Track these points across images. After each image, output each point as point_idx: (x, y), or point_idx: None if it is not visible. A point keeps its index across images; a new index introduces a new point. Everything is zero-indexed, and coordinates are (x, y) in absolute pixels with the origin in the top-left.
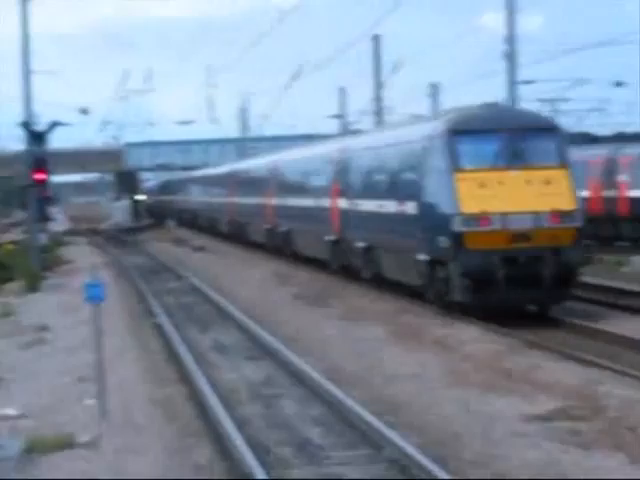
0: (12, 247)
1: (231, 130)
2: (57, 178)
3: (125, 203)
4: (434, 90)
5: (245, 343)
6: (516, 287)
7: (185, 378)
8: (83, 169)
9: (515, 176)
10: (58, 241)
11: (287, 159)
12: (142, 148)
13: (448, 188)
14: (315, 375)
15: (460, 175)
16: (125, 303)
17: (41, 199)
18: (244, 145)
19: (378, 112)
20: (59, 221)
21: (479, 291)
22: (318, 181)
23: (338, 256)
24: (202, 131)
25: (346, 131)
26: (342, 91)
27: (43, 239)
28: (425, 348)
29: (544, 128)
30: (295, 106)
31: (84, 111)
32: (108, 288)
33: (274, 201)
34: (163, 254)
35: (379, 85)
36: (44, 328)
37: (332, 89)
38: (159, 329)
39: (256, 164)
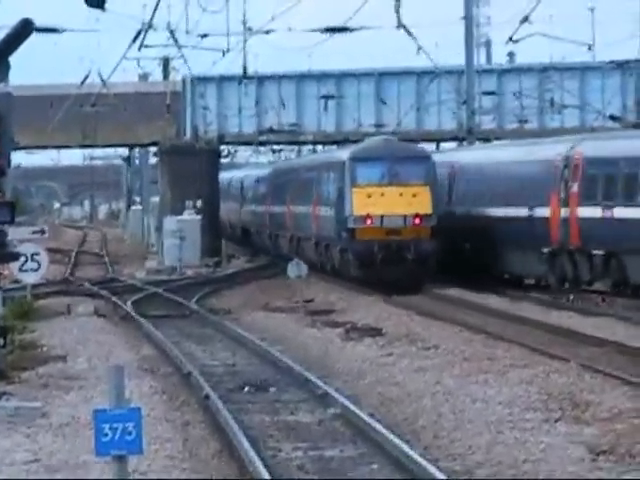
0: None
1: (445, 53)
2: (27, 158)
3: (191, 220)
4: None
5: None
6: (389, 267)
7: None
8: (88, 140)
9: (392, 190)
10: (27, 307)
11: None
12: (227, 87)
13: (348, 197)
14: None
15: (355, 189)
16: (187, 461)
17: None
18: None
19: None
20: (34, 261)
21: (364, 268)
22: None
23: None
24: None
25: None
26: None
27: None
28: None
29: (417, 156)
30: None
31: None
32: (149, 424)
33: None
34: (277, 342)
35: None
36: None
37: None
38: None
39: None
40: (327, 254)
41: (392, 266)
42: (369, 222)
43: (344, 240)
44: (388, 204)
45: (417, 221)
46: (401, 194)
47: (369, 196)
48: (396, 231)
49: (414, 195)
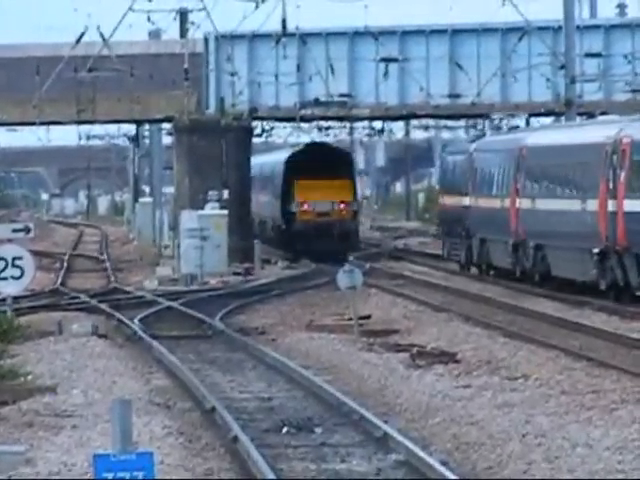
0: None
1: None
2: (7, 137)
3: (216, 215)
4: None
5: None
6: (320, 241)
7: None
8: (84, 114)
9: (323, 183)
10: (7, 325)
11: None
12: (261, 48)
13: (290, 188)
14: None
15: (296, 182)
16: None
17: None
18: None
19: None
20: (16, 267)
21: (303, 243)
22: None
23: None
24: None
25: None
26: None
27: None
28: None
29: (341, 156)
30: None
31: None
32: (162, 474)
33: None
34: (324, 370)
35: None
36: None
37: None
38: None
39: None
40: (279, 233)
41: (322, 240)
42: (305, 207)
43: (287, 222)
44: (320, 193)
45: (342, 206)
46: (329, 186)
47: (306, 187)
48: (326, 214)
49: (339, 186)
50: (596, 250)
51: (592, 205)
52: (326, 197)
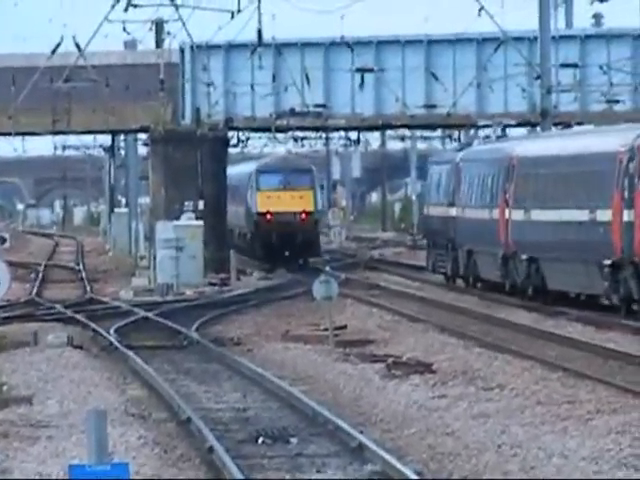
0: None
1: None
2: None
3: (191, 226)
4: None
5: None
6: (283, 248)
7: None
8: (59, 125)
9: (286, 193)
10: None
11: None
12: (237, 58)
13: (254, 198)
14: None
15: (259, 193)
16: None
17: None
18: None
19: None
20: None
21: (266, 250)
22: None
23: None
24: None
25: None
26: None
27: None
28: None
29: (304, 169)
30: None
31: None
32: None
33: None
34: (299, 380)
35: None
36: None
37: None
38: None
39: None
40: (245, 241)
41: (285, 248)
42: (269, 217)
43: (252, 229)
44: (282, 203)
45: (303, 216)
46: (292, 196)
47: (269, 197)
48: (288, 223)
49: (301, 197)
50: (608, 262)
51: (604, 215)
52: (288, 207)
